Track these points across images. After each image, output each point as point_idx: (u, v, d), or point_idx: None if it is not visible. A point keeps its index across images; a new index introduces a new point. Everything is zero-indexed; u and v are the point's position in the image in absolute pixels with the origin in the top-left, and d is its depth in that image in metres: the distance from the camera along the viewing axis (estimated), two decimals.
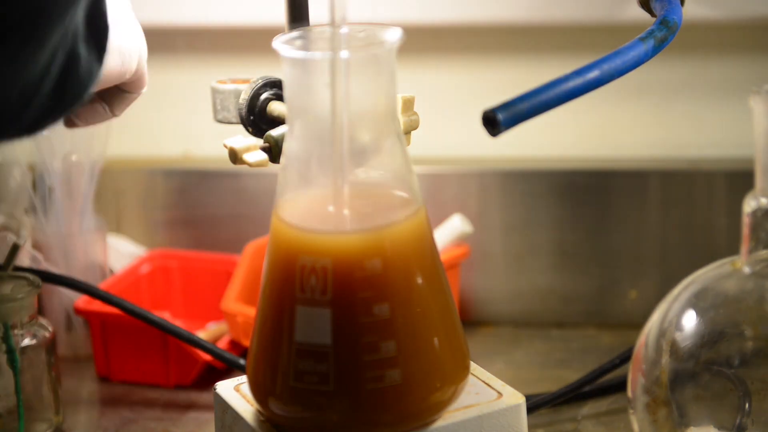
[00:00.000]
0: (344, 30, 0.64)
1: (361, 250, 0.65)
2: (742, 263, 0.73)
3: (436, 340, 0.67)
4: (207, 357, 0.96)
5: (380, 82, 0.66)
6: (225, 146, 0.70)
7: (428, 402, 0.67)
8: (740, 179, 1.02)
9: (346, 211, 0.66)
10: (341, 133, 0.64)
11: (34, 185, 1.01)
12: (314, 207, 0.67)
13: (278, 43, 0.65)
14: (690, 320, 0.73)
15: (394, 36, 0.65)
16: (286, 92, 0.67)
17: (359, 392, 0.65)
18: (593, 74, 0.63)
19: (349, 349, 0.65)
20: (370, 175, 0.68)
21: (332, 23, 0.63)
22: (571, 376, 0.93)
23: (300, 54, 0.65)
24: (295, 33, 0.68)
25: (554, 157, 1.11)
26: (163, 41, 1.16)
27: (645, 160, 1.09)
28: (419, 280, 0.67)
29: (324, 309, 0.65)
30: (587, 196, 1.08)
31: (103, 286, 1.01)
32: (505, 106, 0.61)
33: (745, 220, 0.72)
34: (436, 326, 0.68)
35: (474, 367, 0.74)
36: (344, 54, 0.63)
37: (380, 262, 0.65)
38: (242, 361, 0.91)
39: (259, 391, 0.68)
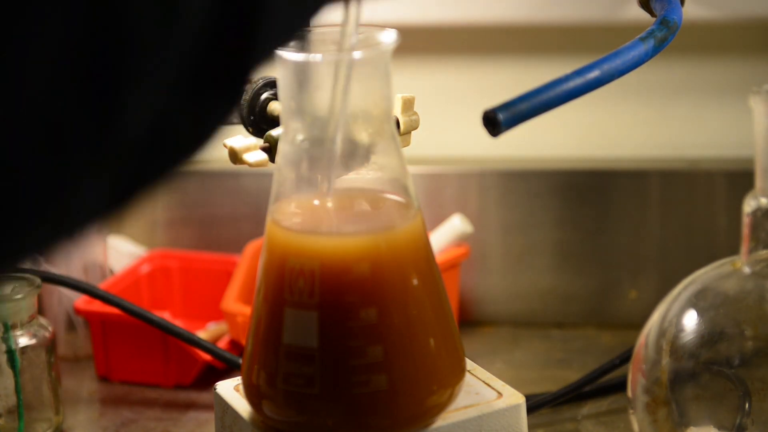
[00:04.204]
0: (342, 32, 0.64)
1: (349, 253, 0.65)
2: (742, 263, 0.73)
3: (430, 344, 0.67)
4: (207, 357, 0.96)
5: (375, 83, 0.66)
6: (225, 146, 0.70)
7: (425, 405, 0.67)
8: (740, 179, 1.02)
9: (336, 214, 0.66)
10: (334, 135, 0.64)
11: None
12: (306, 209, 0.67)
13: None
14: (690, 320, 0.73)
15: (388, 38, 0.65)
16: (281, 94, 0.67)
17: (346, 396, 0.65)
18: (593, 74, 0.63)
19: (335, 352, 0.65)
20: (363, 177, 0.68)
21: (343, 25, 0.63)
22: (571, 376, 0.93)
23: (292, 56, 0.65)
24: None
25: (554, 157, 1.11)
26: None
27: (645, 160, 1.09)
28: (411, 284, 0.66)
29: (311, 312, 0.65)
30: (587, 196, 1.08)
31: (103, 286, 1.01)
32: (505, 106, 0.61)
33: (745, 220, 0.72)
34: (431, 330, 0.67)
35: (474, 367, 0.74)
36: (339, 56, 0.63)
37: (368, 266, 0.65)
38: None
39: (250, 393, 0.69)
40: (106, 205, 0.38)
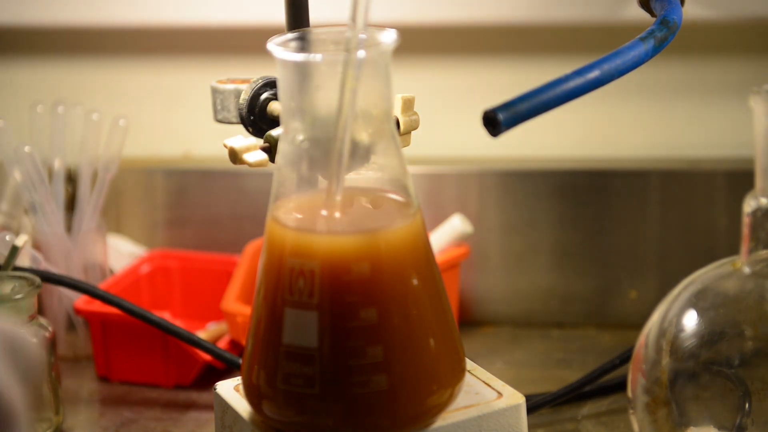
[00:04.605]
0: (344, 33, 0.64)
1: (348, 253, 0.65)
2: (742, 263, 0.73)
3: (430, 344, 0.67)
4: (207, 357, 0.96)
5: (375, 84, 0.66)
6: (225, 146, 0.71)
7: (425, 405, 0.67)
8: (740, 179, 1.02)
9: (335, 214, 0.66)
10: (343, 134, 0.64)
11: (34, 186, 1.01)
12: (305, 209, 0.67)
13: (272, 45, 0.65)
14: (690, 320, 0.73)
15: (388, 38, 0.65)
16: (280, 93, 0.67)
17: (346, 396, 0.65)
18: (593, 74, 0.64)
19: (335, 352, 0.65)
20: (363, 177, 0.68)
21: (350, 24, 0.63)
22: (571, 376, 0.93)
23: (292, 56, 0.65)
24: (290, 35, 0.68)
25: (554, 157, 1.11)
26: (163, 41, 1.16)
27: (645, 160, 1.09)
28: (411, 284, 0.66)
29: (311, 312, 0.65)
30: (587, 196, 1.08)
31: (103, 286, 1.01)
32: (505, 106, 0.61)
33: (745, 220, 0.72)
34: (431, 330, 0.67)
35: (474, 367, 0.74)
36: (340, 56, 0.63)
37: (368, 266, 0.65)
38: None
39: (250, 393, 0.69)
40: None
